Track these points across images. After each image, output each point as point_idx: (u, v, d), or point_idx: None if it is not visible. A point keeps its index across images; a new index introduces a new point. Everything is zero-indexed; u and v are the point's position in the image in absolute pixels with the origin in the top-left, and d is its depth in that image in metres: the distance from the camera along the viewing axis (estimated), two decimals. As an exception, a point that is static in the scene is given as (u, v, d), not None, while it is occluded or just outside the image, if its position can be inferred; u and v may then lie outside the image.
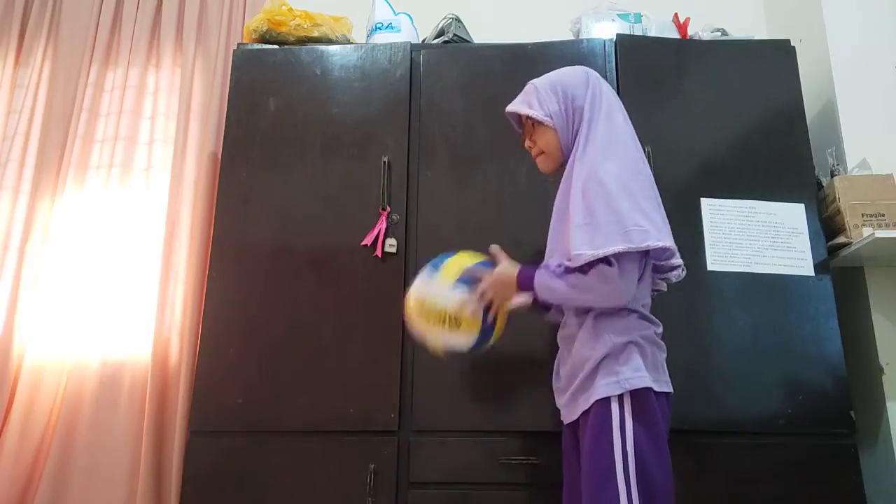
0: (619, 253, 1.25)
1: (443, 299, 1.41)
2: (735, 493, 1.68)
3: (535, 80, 1.48)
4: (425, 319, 1.44)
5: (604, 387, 1.27)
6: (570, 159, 1.41)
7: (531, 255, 1.54)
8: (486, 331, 1.43)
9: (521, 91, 1.50)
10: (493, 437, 1.73)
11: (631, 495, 1.19)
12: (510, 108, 1.49)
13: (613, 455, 1.22)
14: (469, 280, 1.43)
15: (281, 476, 1.74)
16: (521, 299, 1.39)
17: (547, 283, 1.36)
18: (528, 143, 1.51)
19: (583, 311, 1.36)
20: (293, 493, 1.72)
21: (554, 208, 1.46)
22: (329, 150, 1.98)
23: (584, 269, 1.29)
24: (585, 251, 1.26)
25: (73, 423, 2.15)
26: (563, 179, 1.44)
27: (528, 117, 1.47)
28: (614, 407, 1.26)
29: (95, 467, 2.11)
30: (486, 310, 1.43)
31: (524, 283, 1.39)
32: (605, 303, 1.31)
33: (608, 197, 1.28)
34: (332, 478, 1.72)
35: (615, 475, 1.21)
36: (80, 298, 2.27)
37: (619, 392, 1.26)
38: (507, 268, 1.43)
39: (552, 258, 1.41)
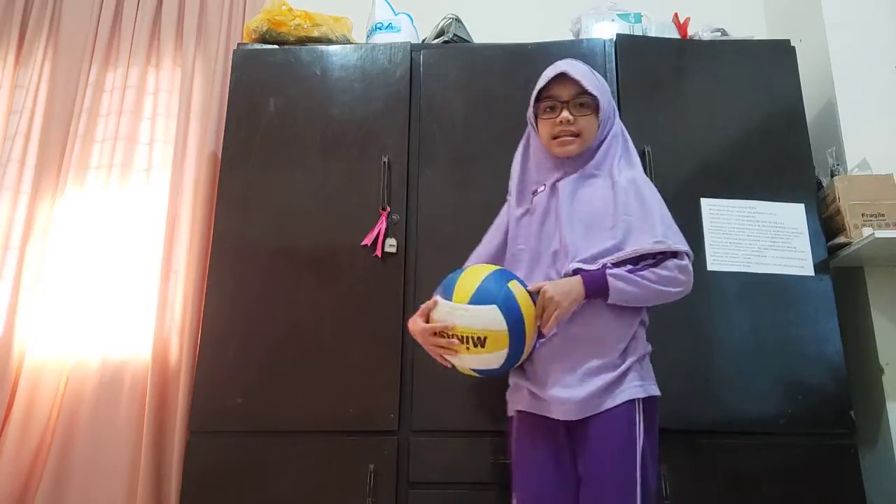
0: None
1: (463, 319, 1.30)
2: (735, 494, 1.68)
3: (589, 67, 1.45)
4: (450, 343, 1.33)
5: (632, 388, 1.31)
6: (599, 158, 1.44)
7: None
8: (517, 347, 1.30)
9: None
10: (493, 437, 1.73)
11: (646, 497, 1.25)
12: (577, 72, 1.39)
13: (635, 458, 1.27)
14: (484, 298, 1.29)
15: (281, 476, 1.74)
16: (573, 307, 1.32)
17: (629, 279, 1.32)
18: (566, 115, 1.38)
19: (627, 316, 1.37)
20: (293, 493, 1.72)
21: (575, 202, 1.41)
22: (329, 150, 1.98)
23: (656, 264, 1.35)
24: (670, 242, 1.34)
25: (74, 422, 2.15)
26: (583, 176, 1.43)
27: (585, 92, 1.39)
28: (637, 410, 1.30)
29: (95, 467, 2.11)
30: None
31: (594, 287, 1.31)
32: (683, 293, 1.38)
33: (662, 203, 1.41)
34: (332, 478, 1.72)
35: (635, 478, 1.26)
36: (80, 298, 2.27)
37: (643, 396, 1.31)
38: (565, 280, 1.34)
39: (576, 254, 1.36)
